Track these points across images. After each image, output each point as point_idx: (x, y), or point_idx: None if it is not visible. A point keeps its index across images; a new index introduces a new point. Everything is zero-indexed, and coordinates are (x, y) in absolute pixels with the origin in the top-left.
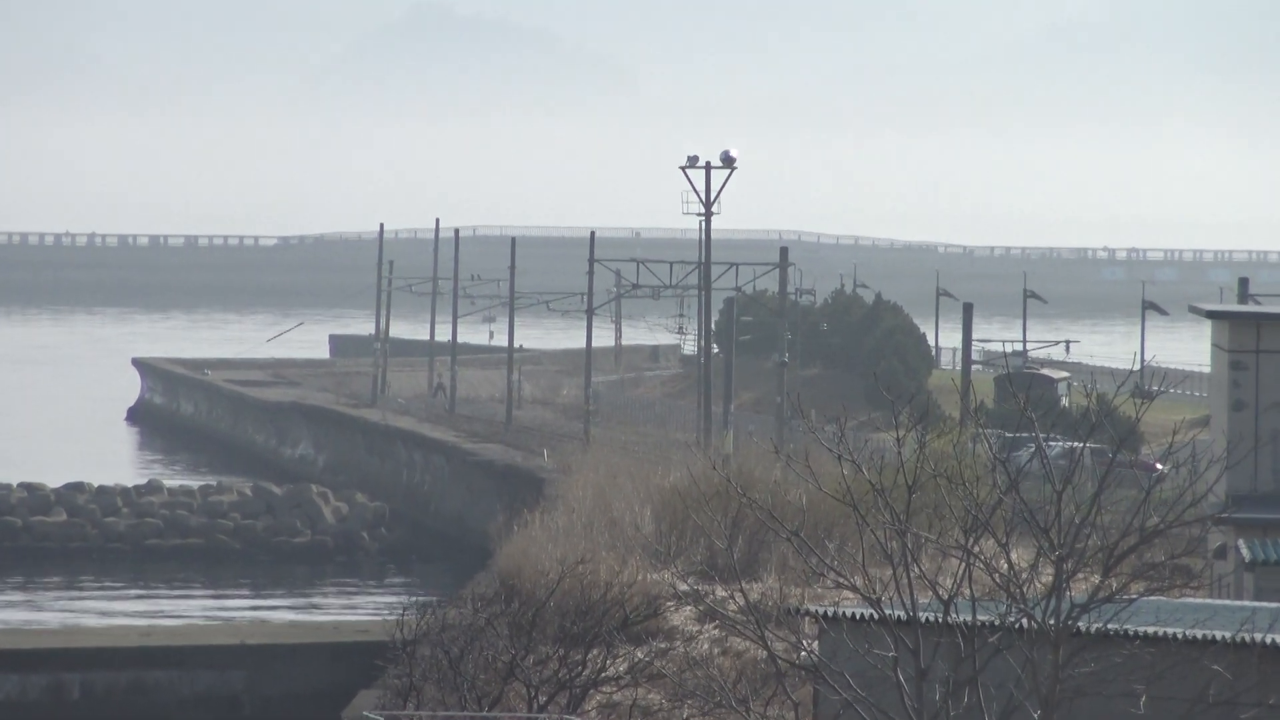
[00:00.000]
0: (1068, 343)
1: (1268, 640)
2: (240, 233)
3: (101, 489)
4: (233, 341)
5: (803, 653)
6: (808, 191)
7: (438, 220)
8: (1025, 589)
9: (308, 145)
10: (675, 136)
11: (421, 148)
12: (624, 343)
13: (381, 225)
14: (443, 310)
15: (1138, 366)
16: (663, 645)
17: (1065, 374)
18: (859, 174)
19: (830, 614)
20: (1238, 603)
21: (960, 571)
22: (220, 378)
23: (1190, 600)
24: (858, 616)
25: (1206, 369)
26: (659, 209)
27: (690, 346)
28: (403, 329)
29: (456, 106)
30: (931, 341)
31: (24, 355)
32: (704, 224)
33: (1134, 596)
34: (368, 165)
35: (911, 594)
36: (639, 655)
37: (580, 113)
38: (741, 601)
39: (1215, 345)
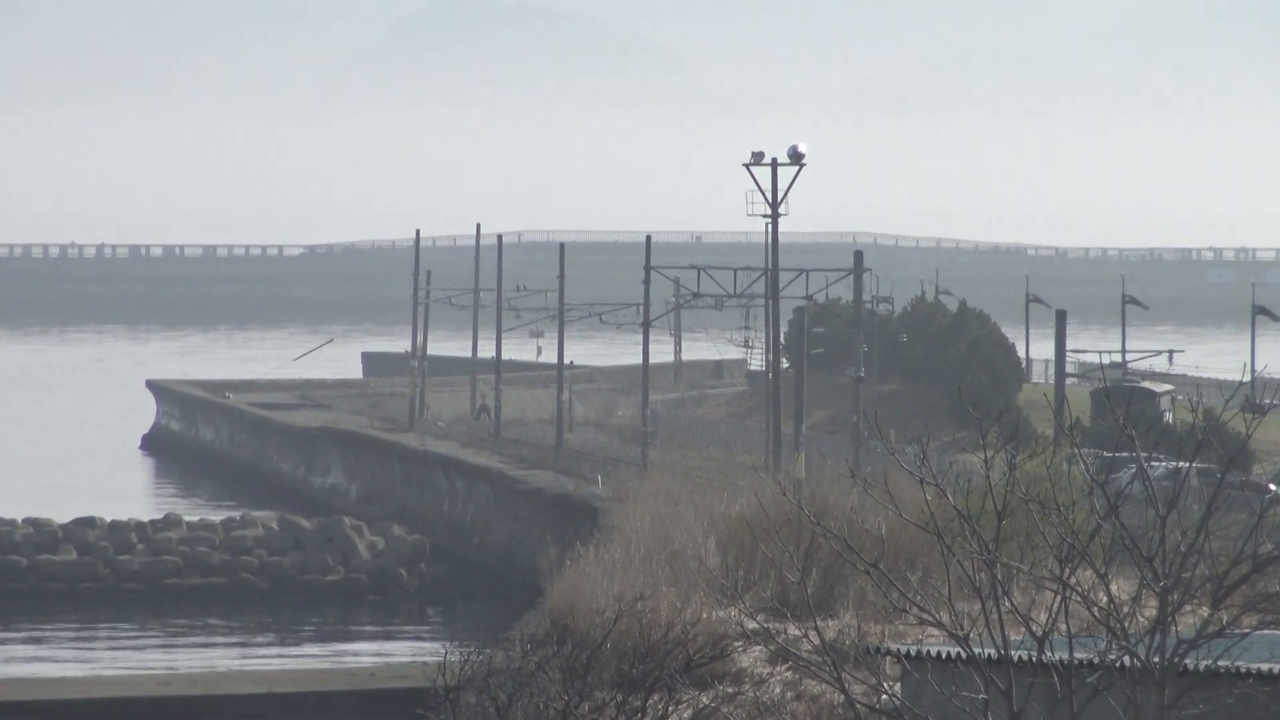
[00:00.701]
0: (1171, 352)
1: None
2: (263, 242)
3: (114, 524)
4: (256, 361)
5: (884, 696)
6: (884, 190)
7: (478, 226)
8: (1127, 624)
9: (336, 145)
10: (737, 131)
11: (460, 147)
12: (684, 358)
13: (418, 232)
14: (485, 324)
15: (1248, 378)
16: (730, 690)
17: (1168, 387)
18: (939, 171)
19: (913, 653)
20: None
21: (1055, 605)
22: (243, 401)
23: None
24: (943, 656)
25: None
26: (721, 211)
27: (757, 361)
28: (442, 345)
29: (497, 102)
30: (1021, 353)
31: (28, 378)
32: (771, 226)
33: (1246, 631)
34: (402, 167)
35: (1002, 630)
36: (704, 701)
37: (633, 106)
38: (816, 641)
39: None
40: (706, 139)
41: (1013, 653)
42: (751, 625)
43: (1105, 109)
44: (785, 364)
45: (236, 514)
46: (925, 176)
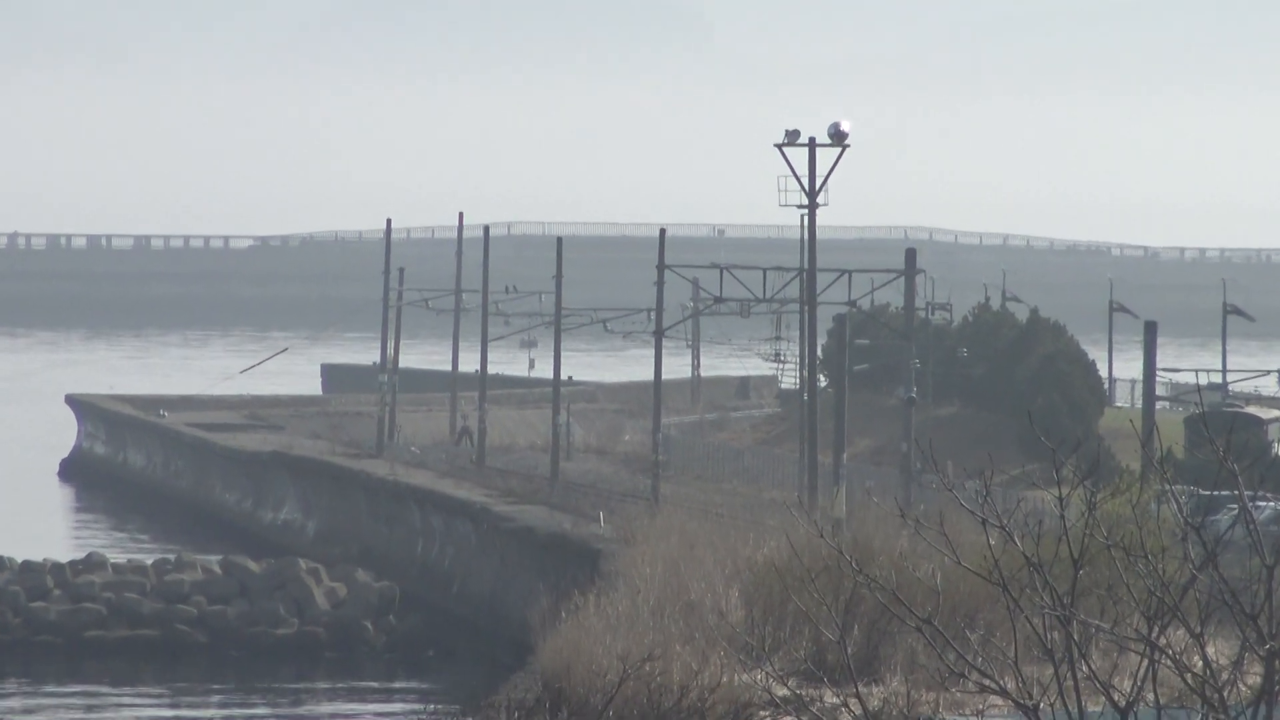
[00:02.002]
0: None
1: None
2: (206, 232)
3: (26, 566)
4: (196, 373)
5: None
6: (940, 178)
7: (461, 215)
8: (1225, 693)
9: (292, 119)
10: (767, 106)
11: (441, 124)
12: (704, 373)
13: (389, 221)
14: (468, 332)
15: None
16: None
17: (1278, 413)
18: (1006, 156)
19: None
20: None
21: (1142, 670)
22: (181, 420)
23: None
24: None
25: None
26: (749, 200)
27: (790, 378)
28: (417, 356)
29: (482, 70)
30: (1103, 371)
31: None
32: (808, 218)
33: None
34: (371, 145)
35: (1078, 700)
36: None
37: (645, 77)
38: (858, 710)
39: None
40: (732, 116)
41: None
42: (781, 691)
43: (1205, 83)
44: (823, 382)
45: (171, 554)
46: (990, 162)
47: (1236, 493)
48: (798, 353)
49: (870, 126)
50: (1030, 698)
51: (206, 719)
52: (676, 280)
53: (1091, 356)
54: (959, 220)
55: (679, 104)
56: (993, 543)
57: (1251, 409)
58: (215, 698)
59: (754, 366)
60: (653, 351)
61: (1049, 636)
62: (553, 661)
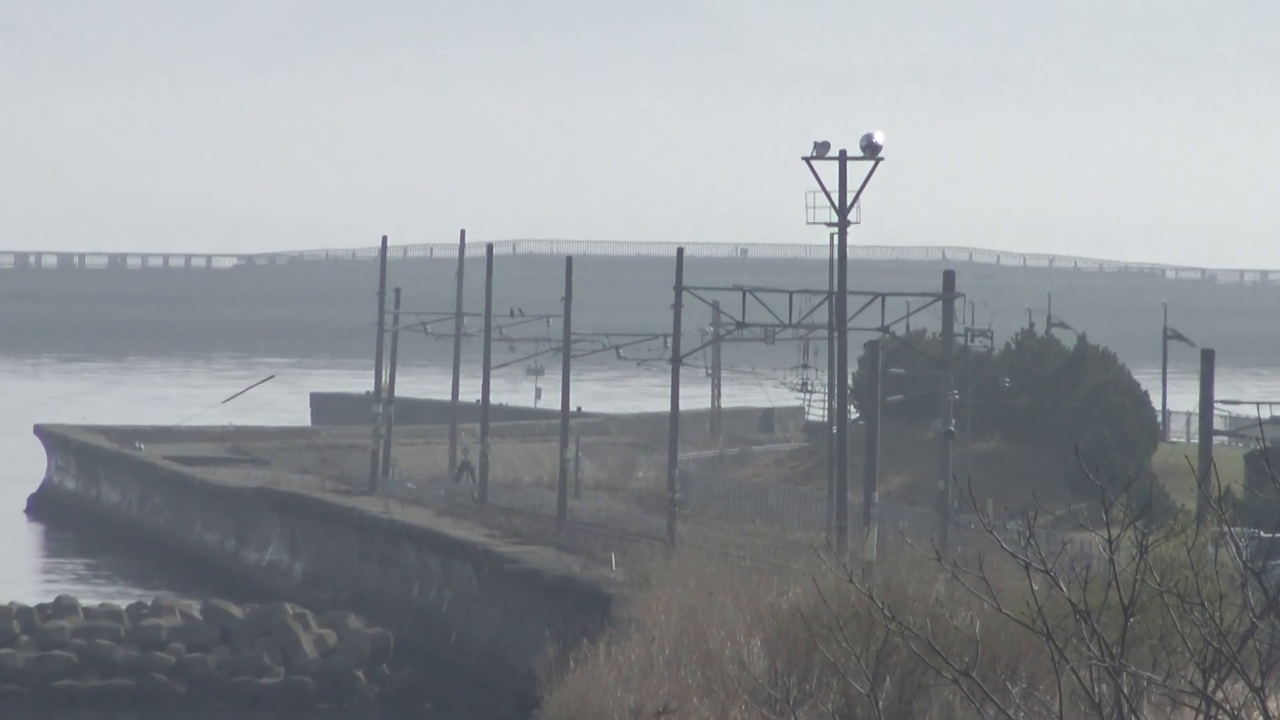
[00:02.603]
0: None
1: None
2: (186, 250)
3: None
4: (175, 402)
5: None
6: (981, 195)
7: (463, 232)
8: None
9: (281, 129)
10: (795, 116)
11: (442, 135)
12: (724, 404)
13: (384, 239)
14: (470, 358)
15: None
16: None
17: None
18: (1052, 171)
19: None
20: None
21: None
22: (158, 453)
23: None
24: None
25: None
26: (774, 217)
27: (818, 410)
28: (414, 385)
29: (488, 76)
30: (1157, 403)
31: None
32: (838, 237)
33: None
34: (365, 156)
35: None
36: None
37: (661, 83)
38: None
39: None
40: (758, 127)
41: None
42: None
43: (1266, 98)
44: (854, 413)
45: (148, 598)
46: (1035, 178)
47: None
48: (826, 382)
49: (906, 139)
50: None
51: None
52: (695, 303)
53: (1144, 387)
54: (1001, 240)
55: (701, 113)
56: (1036, 588)
57: None
58: None
59: (779, 397)
60: (669, 380)
61: (1097, 690)
62: (560, 715)
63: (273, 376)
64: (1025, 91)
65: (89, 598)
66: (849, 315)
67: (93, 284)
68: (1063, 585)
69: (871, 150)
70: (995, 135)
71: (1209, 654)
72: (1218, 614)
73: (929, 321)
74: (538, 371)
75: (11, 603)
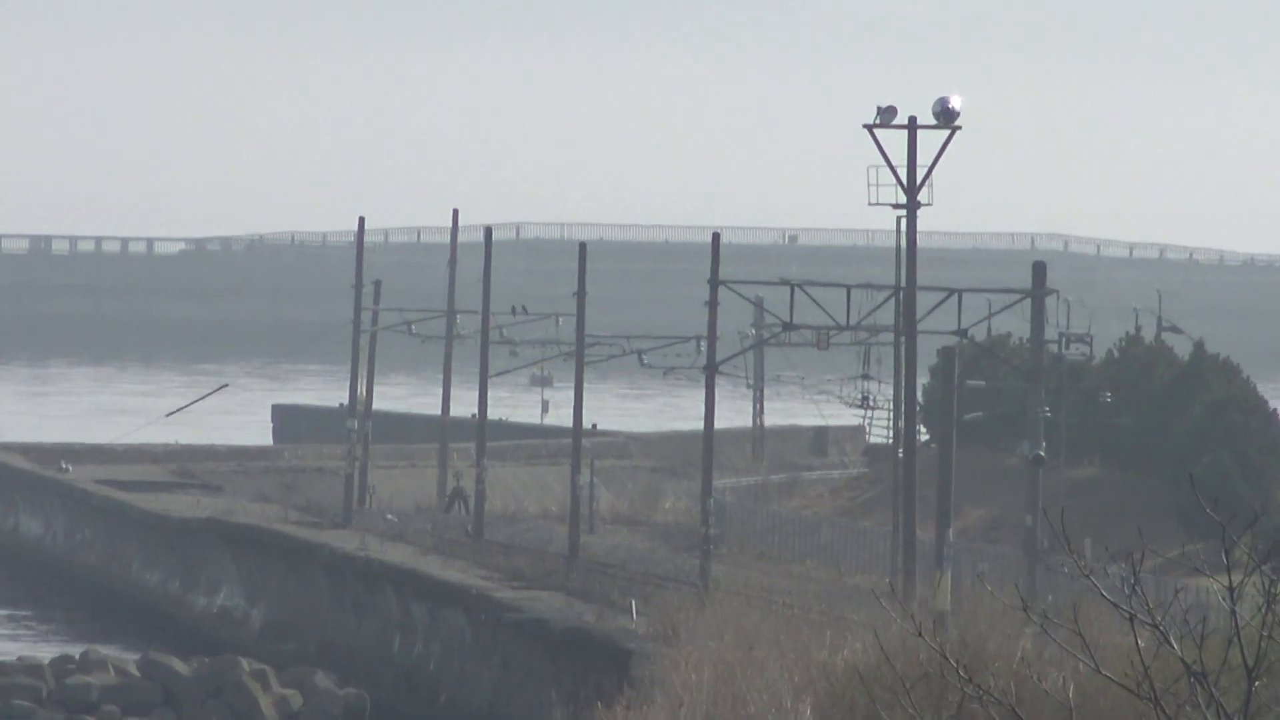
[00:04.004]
0: None
1: None
2: (123, 233)
3: None
4: (110, 415)
5: None
6: (1079, 172)
7: (456, 212)
8: None
9: (235, 90)
10: (857, 77)
11: (430, 93)
12: (768, 422)
13: (361, 220)
14: (464, 364)
15: None
16: None
17: None
18: (1164, 146)
19: None
20: None
21: None
22: (89, 476)
23: None
24: None
25: None
26: (828, 197)
27: (881, 429)
28: (397, 397)
29: (485, 27)
30: None
31: None
32: (905, 221)
33: None
34: (338, 121)
35: None
36: None
37: (694, 40)
38: None
39: None
40: (808, 90)
41: None
42: None
43: None
44: (924, 434)
45: (75, 650)
46: (1143, 155)
47: None
48: (891, 396)
49: (988, 104)
50: None
51: None
52: (734, 300)
53: (1272, 404)
54: (1102, 227)
55: (741, 75)
56: (1142, 645)
57: None
58: None
59: (834, 413)
60: (703, 392)
61: None
62: None
63: (226, 385)
64: (1134, 51)
65: (2, 650)
66: (919, 315)
67: (10, 272)
68: (1174, 642)
69: (947, 117)
70: (1097, 102)
71: None
72: None
73: (1015, 324)
74: (545, 381)
75: None
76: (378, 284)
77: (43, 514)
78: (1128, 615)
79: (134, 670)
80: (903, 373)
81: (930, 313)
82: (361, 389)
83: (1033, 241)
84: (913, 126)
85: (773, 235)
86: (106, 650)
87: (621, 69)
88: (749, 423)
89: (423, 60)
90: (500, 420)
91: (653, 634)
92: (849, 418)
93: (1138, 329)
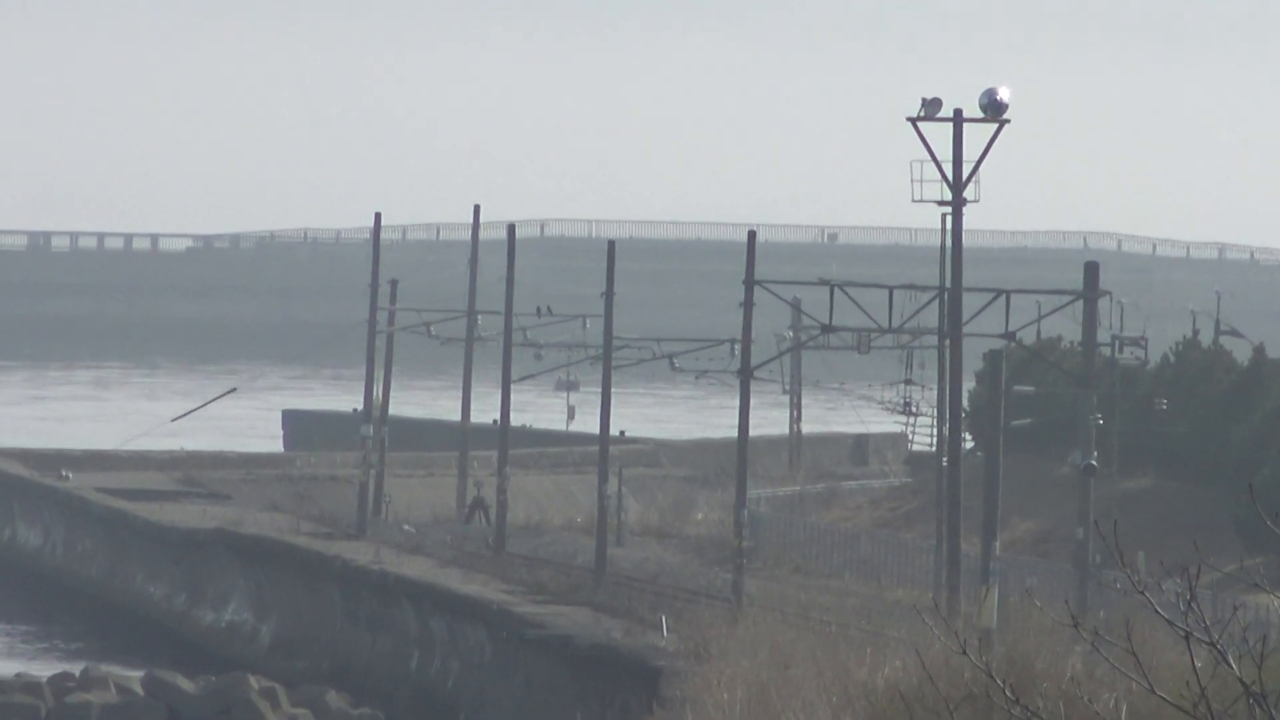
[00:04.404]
0: None
1: None
2: (127, 229)
3: None
4: (113, 420)
5: None
6: (1132, 167)
7: (477, 209)
8: None
9: (246, 78)
10: (900, 67)
11: (450, 83)
12: (806, 429)
13: (378, 216)
14: (485, 368)
15: None
16: None
17: None
18: (1224, 138)
19: None
20: None
21: None
22: (90, 484)
23: None
24: None
25: None
26: (869, 193)
27: (925, 437)
28: (414, 401)
29: (507, 13)
30: None
31: None
32: (951, 219)
33: None
34: (354, 113)
35: None
36: None
37: (729, 28)
38: None
39: None
40: (848, 80)
41: None
42: None
43: None
44: (969, 442)
45: (75, 668)
46: (1201, 148)
47: None
48: (935, 402)
49: (1036, 97)
50: None
51: None
52: (770, 301)
53: None
54: (1158, 225)
55: (778, 66)
56: (1199, 664)
57: None
58: None
59: (875, 420)
60: (736, 398)
61: None
62: None
63: (235, 389)
64: (1190, 40)
65: (2, 666)
66: (965, 317)
67: (7, 270)
68: (1232, 662)
69: (994, 109)
70: (1152, 93)
71: None
72: None
73: (1065, 326)
74: (571, 386)
75: None
76: (394, 283)
77: (41, 524)
78: (1183, 633)
79: (137, 688)
80: (947, 377)
81: (977, 315)
82: (377, 393)
83: (1084, 240)
84: (958, 119)
85: (811, 233)
86: (108, 667)
87: (652, 60)
88: (785, 430)
89: (443, 50)
90: (523, 427)
91: (683, 651)
92: (890, 425)
93: (1195, 332)
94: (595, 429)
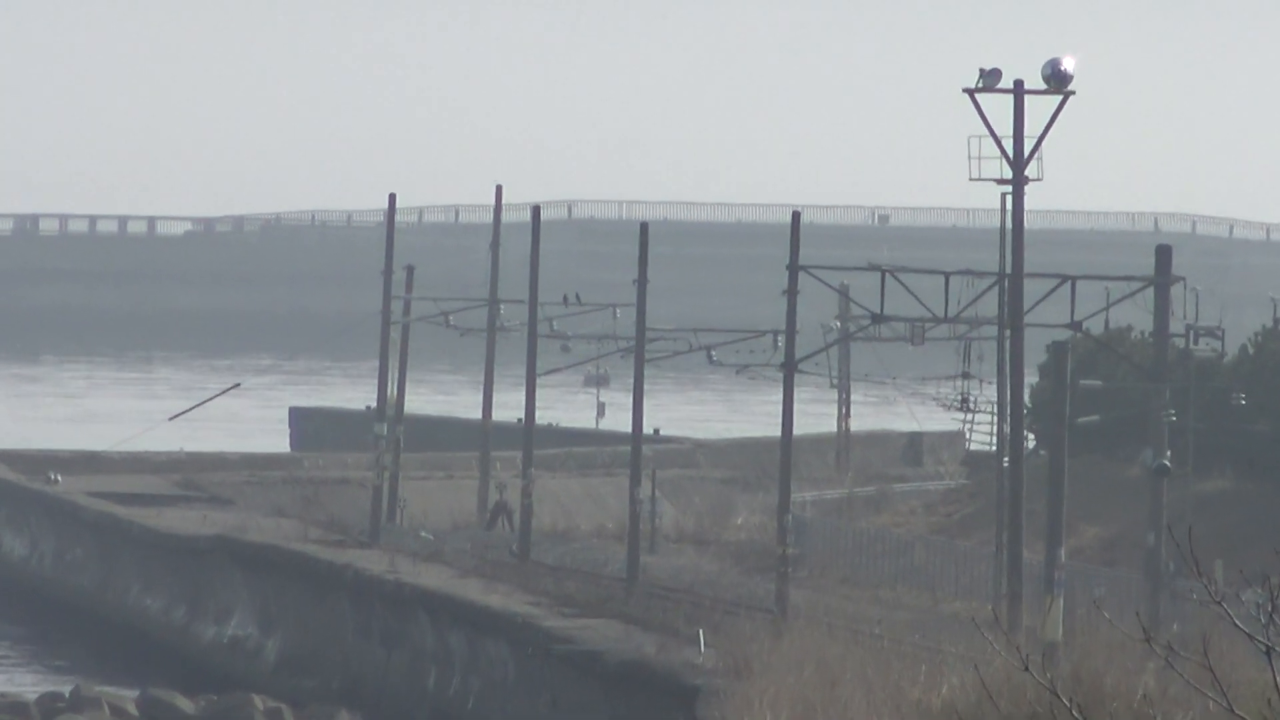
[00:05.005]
0: None
1: None
2: (122, 211)
3: None
4: (107, 419)
5: None
6: (1207, 144)
7: (499, 189)
8: None
9: (251, 51)
10: (956, 35)
11: (467, 55)
12: (855, 427)
13: (392, 198)
14: (508, 361)
15: None
16: None
17: None
18: None
19: None
20: None
21: None
22: (81, 488)
23: None
24: None
25: None
26: (923, 172)
27: (983, 436)
28: (432, 398)
29: None
30: None
31: None
32: (1012, 199)
33: None
34: (365, 87)
35: None
36: None
37: None
38: None
39: None
40: (900, 50)
41: None
42: None
43: None
44: (1031, 441)
45: (65, 686)
46: None
47: None
48: (994, 398)
49: (1103, 68)
50: None
51: None
52: (816, 288)
53: None
54: (1235, 205)
55: (825, 35)
56: None
57: None
58: None
59: (929, 417)
60: (780, 394)
61: None
62: None
63: (238, 385)
64: (1269, 4)
65: None
66: (1027, 306)
67: None
68: None
69: (1058, 81)
70: (1228, 64)
71: None
72: None
73: (1136, 316)
74: (601, 381)
75: None
76: (410, 269)
77: (29, 532)
78: (1264, 648)
79: (132, 709)
80: (1008, 371)
81: (1039, 303)
82: (391, 389)
83: (1156, 222)
84: (1019, 91)
85: (861, 215)
86: (101, 686)
87: (689, 27)
88: (833, 428)
89: (461, 18)
90: (550, 425)
91: (722, 668)
92: (947, 422)
93: (1276, 321)
94: (627, 427)
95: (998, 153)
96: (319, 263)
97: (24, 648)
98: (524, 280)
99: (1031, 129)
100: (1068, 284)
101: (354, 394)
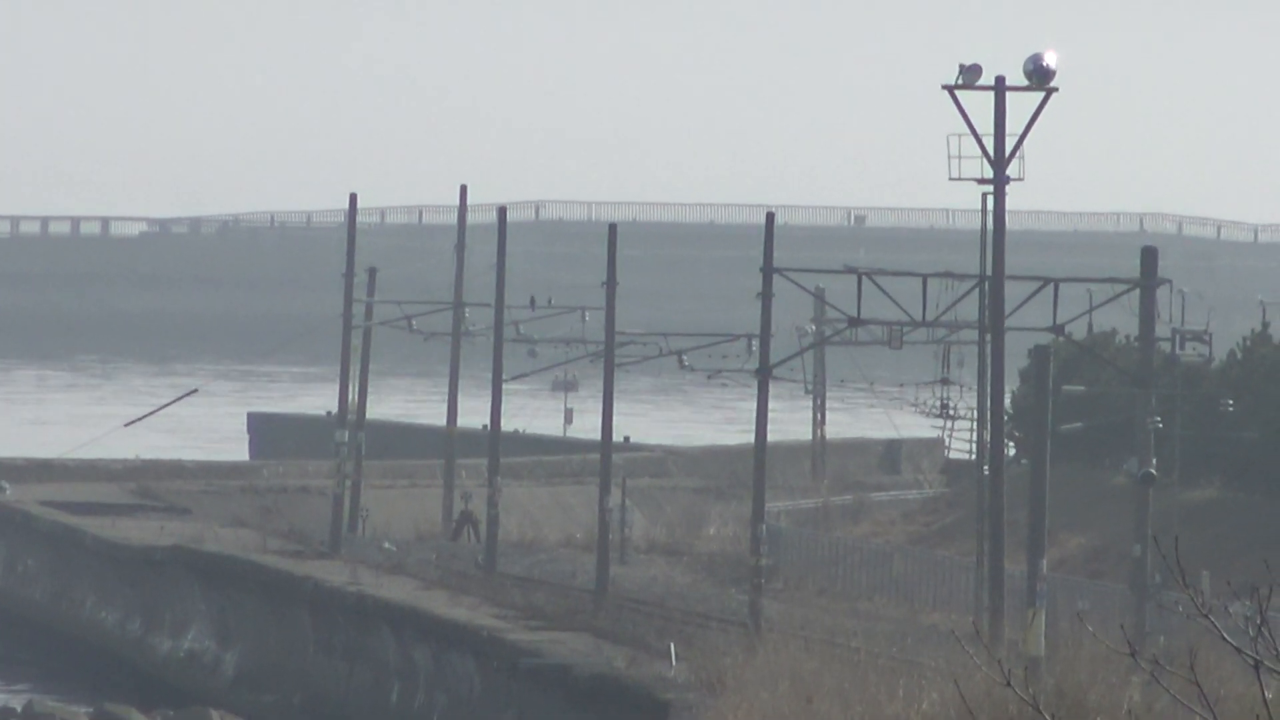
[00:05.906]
0: None
1: None
2: (74, 211)
3: None
4: (59, 425)
5: None
6: (1193, 141)
7: (464, 189)
8: None
9: (207, 46)
10: (935, 30)
11: (432, 53)
12: (831, 434)
13: (353, 198)
14: (474, 366)
15: None
16: None
17: None
18: None
19: None
20: None
21: None
22: (33, 497)
23: None
24: None
25: None
26: (901, 171)
27: (963, 443)
28: (395, 403)
29: None
30: None
31: None
32: (992, 199)
33: None
34: (326, 83)
35: None
36: None
37: None
38: None
39: None
40: (877, 46)
41: None
42: None
43: None
44: (1013, 448)
45: (17, 701)
46: (1269, 123)
47: None
48: (974, 404)
49: (1087, 64)
50: None
51: None
52: (791, 291)
53: None
54: (1223, 206)
55: (798, 31)
56: (1270, 695)
57: None
58: None
59: (907, 424)
60: (753, 399)
61: None
62: None
63: (196, 390)
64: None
65: None
66: (1008, 309)
67: None
68: None
69: (1040, 77)
70: (1216, 61)
71: None
72: None
73: (1121, 319)
74: (569, 386)
75: None
76: (372, 272)
77: None
78: (1253, 661)
79: None
80: (988, 376)
81: (1021, 306)
82: (353, 395)
83: (1141, 223)
84: (1000, 87)
85: (837, 215)
86: (54, 702)
87: (658, 24)
88: (808, 435)
89: (424, 13)
90: (516, 432)
91: (695, 682)
92: (925, 429)
93: (1265, 325)
94: (596, 434)
95: (978, 151)
96: (278, 265)
97: None
98: (489, 283)
99: (1013, 127)
100: (1050, 286)
101: (314, 400)
